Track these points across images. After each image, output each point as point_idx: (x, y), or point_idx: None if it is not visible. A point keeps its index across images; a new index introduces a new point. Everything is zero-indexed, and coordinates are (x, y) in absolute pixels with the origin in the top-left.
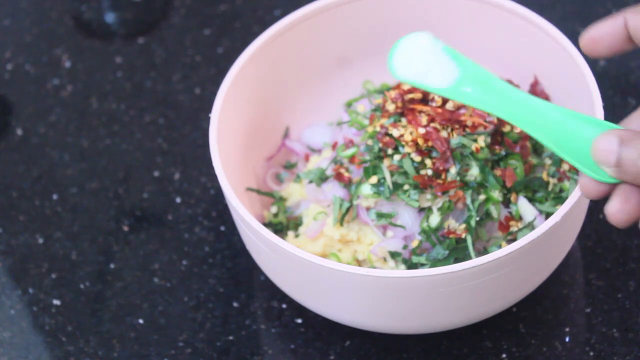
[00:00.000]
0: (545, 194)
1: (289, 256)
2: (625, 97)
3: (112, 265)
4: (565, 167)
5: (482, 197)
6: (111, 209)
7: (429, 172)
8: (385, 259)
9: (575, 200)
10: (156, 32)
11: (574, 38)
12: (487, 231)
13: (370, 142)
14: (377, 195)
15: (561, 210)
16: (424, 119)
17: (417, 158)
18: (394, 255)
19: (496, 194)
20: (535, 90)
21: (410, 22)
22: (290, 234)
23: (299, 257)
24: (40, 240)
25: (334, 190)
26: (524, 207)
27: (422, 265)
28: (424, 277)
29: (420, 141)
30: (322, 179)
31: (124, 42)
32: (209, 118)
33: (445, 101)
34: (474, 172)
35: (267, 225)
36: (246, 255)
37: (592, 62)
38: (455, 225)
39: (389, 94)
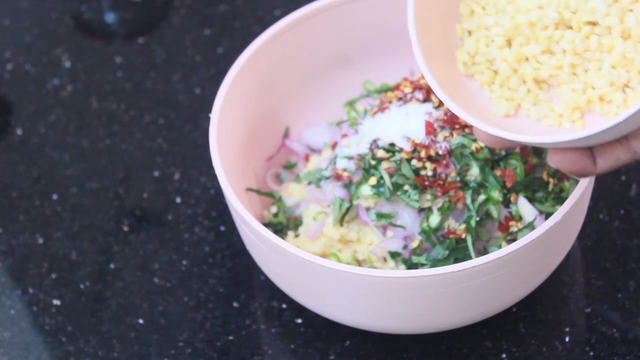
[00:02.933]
0: (545, 194)
1: (289, 256)
2: None
3: (112, 265)
4: None
5: (482, 197)
6: (111, 209)
7: (429, 172)
8: (385, 259)
9: (575, 200)
10: (156, 32)
11: None
12: (487, 231)
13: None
14: (377, 196)
15: (561, 210)
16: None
17: (418, 164)
18: (394, 255)
19: (496, 194)
20: None
21: None
22: (290, 234)
23: (299, 257)
24: (40, 240)
25: (333, 190)
26: (524, 207)
27: (422, 265)
28: (424, 277)
29: (421, 150)
30: (321, 179)
31: (124, 42)
32: (209, 118)
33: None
34: (474, 172)
35: (267, 225)
36: (246, 255)
37: None
38: (455, 225)
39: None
